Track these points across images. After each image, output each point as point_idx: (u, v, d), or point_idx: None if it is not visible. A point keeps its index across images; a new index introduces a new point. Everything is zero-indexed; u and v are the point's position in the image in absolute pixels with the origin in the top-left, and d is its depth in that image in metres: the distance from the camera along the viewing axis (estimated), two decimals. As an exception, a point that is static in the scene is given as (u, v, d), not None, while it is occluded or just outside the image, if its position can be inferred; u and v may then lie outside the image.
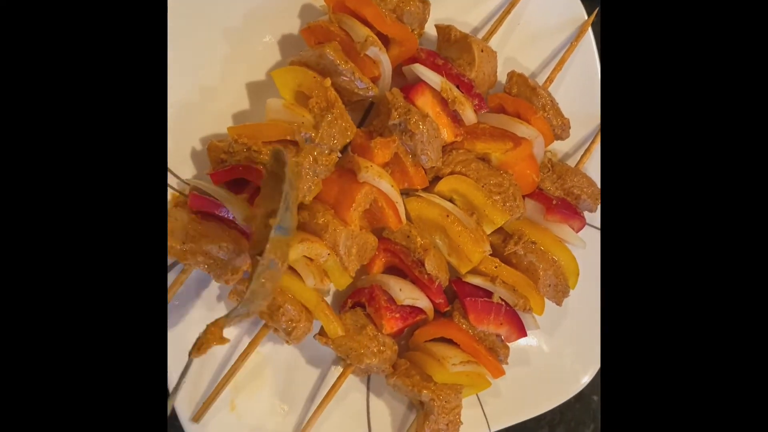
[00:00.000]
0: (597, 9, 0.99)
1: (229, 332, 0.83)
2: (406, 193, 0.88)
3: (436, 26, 0.90)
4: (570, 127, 0.93)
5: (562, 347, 0.98)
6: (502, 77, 0.94)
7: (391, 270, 0.88)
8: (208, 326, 0.66)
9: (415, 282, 0.85)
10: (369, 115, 0.92)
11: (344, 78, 0.78)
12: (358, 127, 0.91)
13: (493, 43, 0.93)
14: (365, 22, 0.80)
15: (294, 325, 0.77)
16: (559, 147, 1.00)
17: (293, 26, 0.87)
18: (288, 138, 0.76)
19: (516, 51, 0.97)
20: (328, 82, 0.77)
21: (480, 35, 0.94)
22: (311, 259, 0.78)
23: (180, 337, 0.77)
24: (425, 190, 0.88)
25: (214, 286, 0.82)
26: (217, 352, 0.81)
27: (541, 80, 0.96)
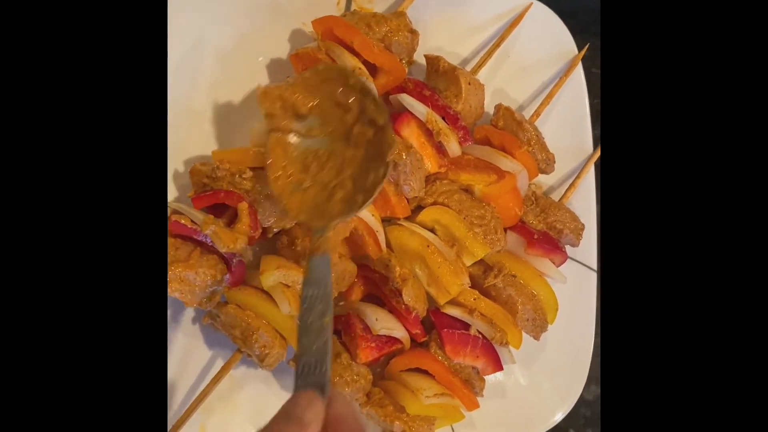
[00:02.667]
0: (588, 44, 0.99)
1: (202, 354, 0.83)
2: (388, 221, 0.88)
3: (426, 56, 0.90)
4: (554, 162, 0.94)
5: (538, 381, 0.98)
6: (490, 108, 0.95)
7: (370, 297, 0.88)
8: None
9: (393, 311, 0.85)
10: (355, 141, 0.92)
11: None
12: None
13: (483, 74, 0.94)
14: (353, 51, 0.81)
15: (267, 351, 0.77)
16: (545, 180, 1.00)
17: (283, 51, 0.87)
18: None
19: (505, 83, 0.98)
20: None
21: (469, 66, 0.95)
22: (288, 286, 0.78)
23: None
24: (407, 219, 0.88)
25: (189, 309, 0.82)
26: (189, 373, 0.81)
27: (529, 112, 0.97)
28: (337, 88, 0.72)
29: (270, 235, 0.80)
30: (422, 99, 0.85)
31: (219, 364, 0.82)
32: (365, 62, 0.82)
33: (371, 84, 0.77)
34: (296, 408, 0.50)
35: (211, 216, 0.75)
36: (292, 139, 0.73)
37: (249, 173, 0.76)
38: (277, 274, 0.76)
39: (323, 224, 0.67)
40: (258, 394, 0.85)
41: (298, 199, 0.70)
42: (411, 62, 0.92)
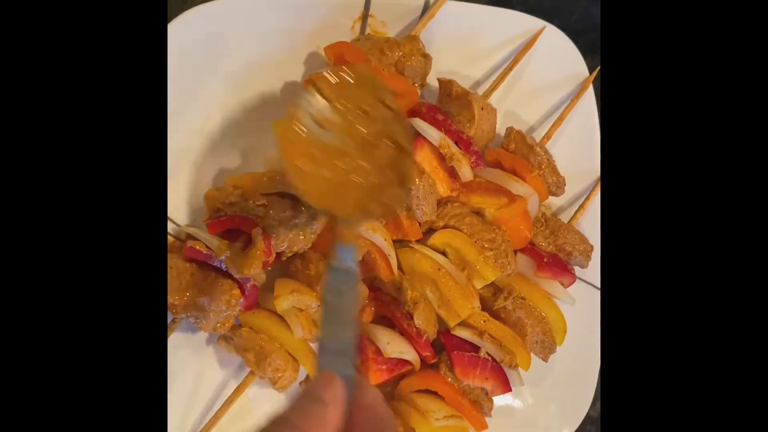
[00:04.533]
0: (598, 67, 1.00)
1: (215, 376, 0.84)
2: (399, 243, 0.89)
3: (438, 80, 0.91)
4: (565, 185, 0.94)
5: (546, 400, 0.99)
6: (501, 129, 0.95)
7: (381, 319, 0.89)
8: None
9: (404, 333, 0.86)
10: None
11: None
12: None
13: (494, 96, 0.94)
14: (367, 76, 0.81)
15: (280, 374, 0.78)
16: (554, 201, 1.01)
17: (298, 74, 0.88)
18: (285, 190, 0.77)
19: (517, 105, 0.98)
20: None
21: (482, 89, 0.95)
22: (301, 310, 0.79)
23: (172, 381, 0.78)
24: (419, 241, 0.89)
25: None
26: (202, 395, 0.82)
27: (540, 134, 0.97)
28: (368, 98, 0.71)
29: (284, 258, 0.81)
30: (435, 123, 0.86)
31: (232, 385, 0.82)
32: (379, 86, 0.82)
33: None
34: (315, 388, 0.51)
35: (226, 241, 0.75)
36: (305, 123, 0.70)
37: (262, 199, 0.76)
38: (291, 299, 0.77)
39: (348, 215, 0.66)
40: (270, 415, 0.85)
41: (316, 186, 0.67)
42: (423, 85, 0.93)
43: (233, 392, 0.80)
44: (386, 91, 0.71)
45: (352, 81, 0.70)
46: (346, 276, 0.61)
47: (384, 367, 0.84)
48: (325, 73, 0.70)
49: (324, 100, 0.69)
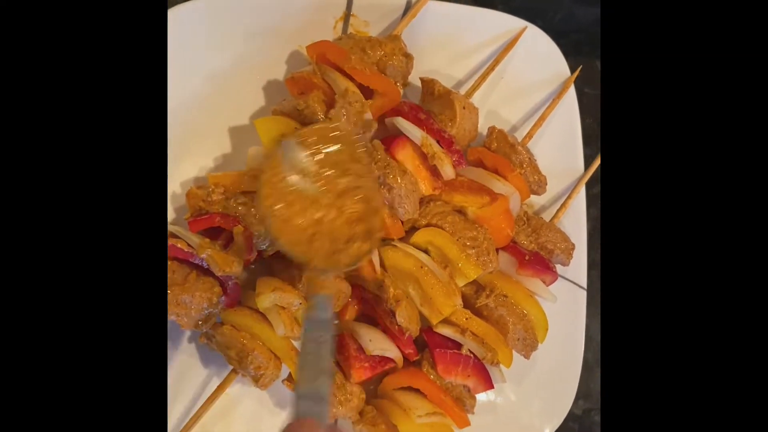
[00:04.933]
0: (580, 66, 1.01)
1: (198, 373, 0.84)
2: (382, 242, 0.89)
3: (421, 79, 0.91)
4: (546, 184, 0.95)
5: (528, 398, 0.99)
6: (483, 129, 0.96)
7: (364, 317, 0.90)
8: None
9: (386, 331, 0.87)
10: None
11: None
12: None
13: (476, 96, 0.95)
14: (347, 74, 0.82)
15: (262, 372, 0.78)
16: (536, 200, 1.02)
17: (280, 73, 0.88)
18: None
19: (499, 104, 0.99)
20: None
21: (464, 89, 0.96)
22: (283, 307, 0.79)
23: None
24: (401, 240, 0.89)
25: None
26: (185, 393, 0.82)
27: (522, 133, 0.98)
28: (344, 153, 0.74)
29: (266, 256, 0.81)
30: (417, 122, 0.86)
31: (215, 382, 0.83)
32: (360, 85, 0.83)
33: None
34: None
35: (207, 239, 0.76)
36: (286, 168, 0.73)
37: (244, 198, 0.77)
38: (272, 297, 0.77)
39: (319, 265, 0.69)
40: (252, 412, 0.86)
41: (291, 234, 0.71)
42: (406, 84, 0.93)
43: (215, 390, 0.80)
44: (360, 148, 0.75)
45: (331, 135, 0.74)
46: (323, 325, 0.65)
47: (366, 364, 0.84)
48: (306, 129, 0.74)
49: (305, 150, 0.73)
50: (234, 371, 0.80)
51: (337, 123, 0.77)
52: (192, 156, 0.84)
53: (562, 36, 1.02)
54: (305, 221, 0.70)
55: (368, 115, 0.80)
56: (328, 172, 0.73)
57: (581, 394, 1.10)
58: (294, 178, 0.71)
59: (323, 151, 0.73)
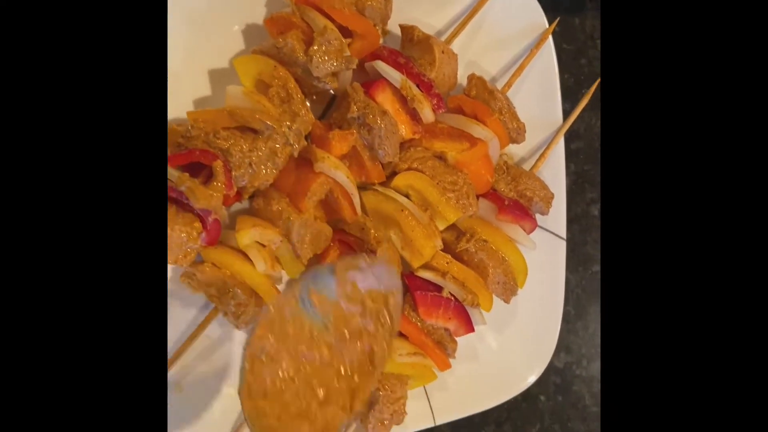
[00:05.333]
0: (558, 18, 1.02)
1: (179, 314, 0.84)
2: (363, 187, 0.90)
3: (400, 26, 0.92)
4: (525, 131, 0.96)
5: (510, 346, 1.00)
6: (463, 80, 0.97)
7: (345, 261, 0.90)
8: None
9: (367, 273, 0.87)
10: (331, 106, 0.93)
11: (303, 69, 0.80)
12: (321, 118, 0.93)
13: (456, 46, 0.96)
14: (327, 14, 0.82)
15: (243, 309, 0.78)
16: (516, 150, 1.03)
17: (259, 16, 0.88)
18: (246, 125, 0.77)
19: (478, 55, 1.00)
20: (283, 71, 0.78)
21: (443, 37, 0.97)
22: (263, 245, 0.79)
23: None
24: (382, 184, 0.90)
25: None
26: (168, 331, 0.82)
27: (502, 84, 0.99)
28: (375, 295, 0.69)
29: (246, 197, 0.81)
30: (397, 66, 0.87)
31: (195, 323, 0.82)
32: (340, 27, 0.83)
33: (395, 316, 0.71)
34: None
35: (186, 174, 0.75)
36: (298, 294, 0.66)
37: (224, 134, 0.77)
38: (252, 233, 0.77)
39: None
40: (232, 355, 0.86)
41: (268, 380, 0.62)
42: (386, 32, 0.94)
43: (196, 329, 0.80)
44: (397, 300, 0.69)
45: (374, 276, 0.68)
46: None
47: (347, 305, 0.85)
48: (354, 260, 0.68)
49: (335, 281, 0.67)
50: (215, 309, 0.80)
51: (380, 259, 0.71)
52: (171, 98, 0.83)
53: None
54: (291, 399, 0.62)
55: (347, 53, 0.80)
56: (351, 308, 0.66)
57: (562, 347, 1.12)
58: (305, 305, 0.64)
59: (358, 286, 0.67)
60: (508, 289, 0.93)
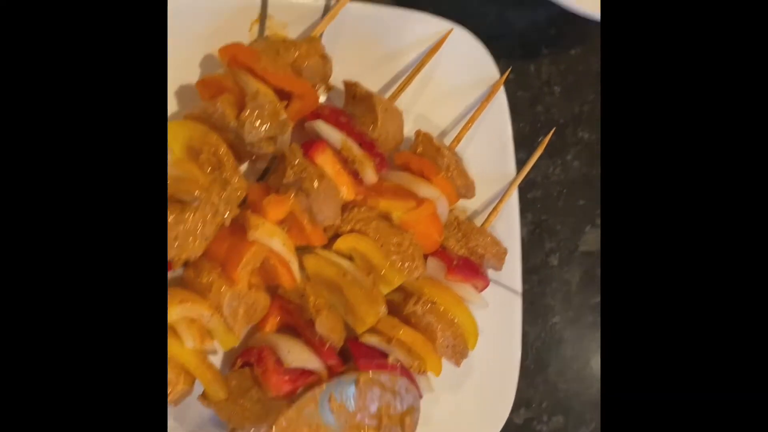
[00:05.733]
0: (509, 69, 1.00)
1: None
2: (305, 249, 0.86)
3: (344, 82, 0.89)
4: (474, 188, 0.94)
5: (465, 407, 0.97)
6: (412, 134, 0.94)
7: (287, 329, 0.86)
8: None
9: (309, 342, 0.83)
10: (273, 166, 0.91)
11: (236, 134, 0.77)
12: (261, 178, 0.90)
13: (405, 100, 0.93)
14: (262, 77, 0.79)
15: (171, 388, 0.74)
16: (469, 204, 1.00)
17: (194, 77, 0.85)
18: (173, 197, 0.74)
19: (427, 109, 0.98)
20: (214, 136, 0.75)
21: (390, 91, 0.94)
22: (193, 320, 0.75)
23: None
24: (325, 247, 0.87)
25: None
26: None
27: (452, 137, 0.97)
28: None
29: (175, 268, 0.78)
30: (338, 125, 0.84)
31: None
32: (278, 89, 0.80)
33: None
34: None
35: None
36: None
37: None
38: (179, 309, 0.74)
39: None
40: (170, 429, 0.82)
41: None
42: (330, 87, 0.91)
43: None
44: (405, 418, 0.80)
45: (394, 394, 0.79)
46: None
47: (286, 377, 0.81)
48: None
49: (356, 392, 0.77)
50: (142, 388, 0.76)
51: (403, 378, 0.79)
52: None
53: (494, 39, 1.01)
54: None
55: (283, 116, 0.78)
56: (368, 422, 0.75)
57: (522, 402, 1.08)
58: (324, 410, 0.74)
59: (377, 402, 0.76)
60: (458, 352, 0.90)
